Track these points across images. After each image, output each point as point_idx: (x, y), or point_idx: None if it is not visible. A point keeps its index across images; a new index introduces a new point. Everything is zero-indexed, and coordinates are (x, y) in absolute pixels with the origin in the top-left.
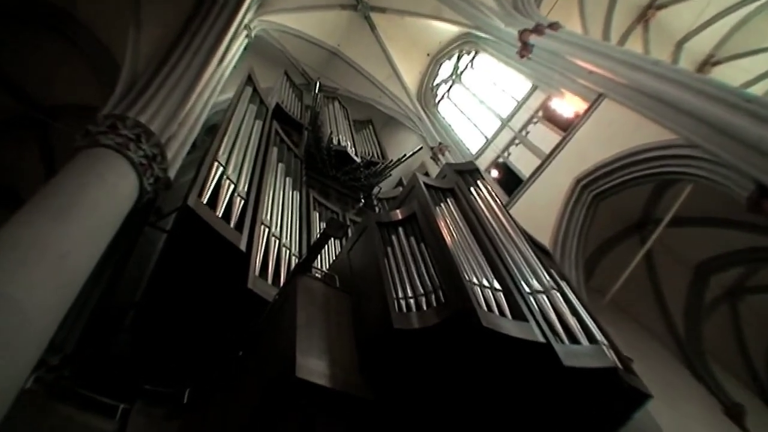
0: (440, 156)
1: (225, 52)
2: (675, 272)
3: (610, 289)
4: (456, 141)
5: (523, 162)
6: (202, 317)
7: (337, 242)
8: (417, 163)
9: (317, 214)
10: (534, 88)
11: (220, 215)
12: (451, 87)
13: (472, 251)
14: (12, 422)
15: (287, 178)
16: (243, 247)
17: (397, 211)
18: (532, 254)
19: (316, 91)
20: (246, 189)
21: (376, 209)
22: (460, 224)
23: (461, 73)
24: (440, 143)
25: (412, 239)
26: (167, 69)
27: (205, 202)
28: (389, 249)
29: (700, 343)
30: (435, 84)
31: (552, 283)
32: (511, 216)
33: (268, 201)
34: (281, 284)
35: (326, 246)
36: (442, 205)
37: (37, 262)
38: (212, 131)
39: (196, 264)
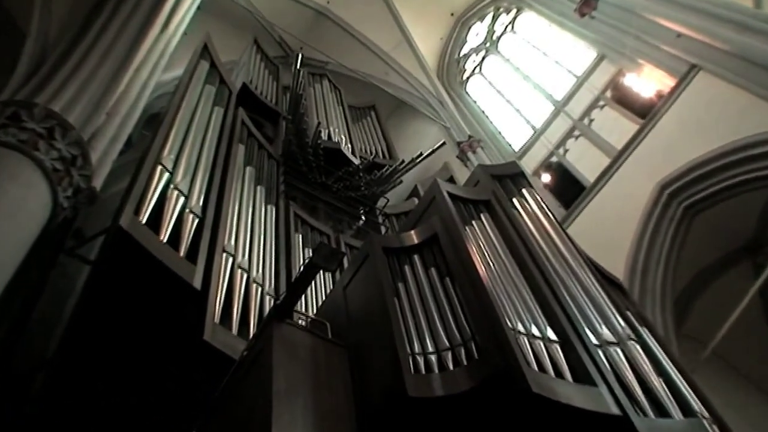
0: (470, 155)
1: (171, 13)
2: None
3: (711, 337)
4: (492, 133)
5: (585, 162)
6: (141, 380)
7: (329, 276)
8: (438, 164)
9: (300, 237)
10: (599, 59)
11: (166, 239)
12: (484, 59)
13: (517, 287)
14: None
15: (258, 187)
16: (198, 284)
17: (412, 232)
18: (600, 290)
19: (298, 66)
20: (202, 203)
21: (382, 229)
22: (500, 250)
23: (498, 39)
24: (470, 137)
25: (433, 271)
26: (90, 38)
27: (144, 221)
28: (401, 285)
29: None
30: (462, 54)
31: (629, 330)
32: (569, 237)
33: (232, 219)
34: (251, 335)
35: (313, 281)
36: (474, 223)
37: None
38: (154, 122)
39: (132, 307)
